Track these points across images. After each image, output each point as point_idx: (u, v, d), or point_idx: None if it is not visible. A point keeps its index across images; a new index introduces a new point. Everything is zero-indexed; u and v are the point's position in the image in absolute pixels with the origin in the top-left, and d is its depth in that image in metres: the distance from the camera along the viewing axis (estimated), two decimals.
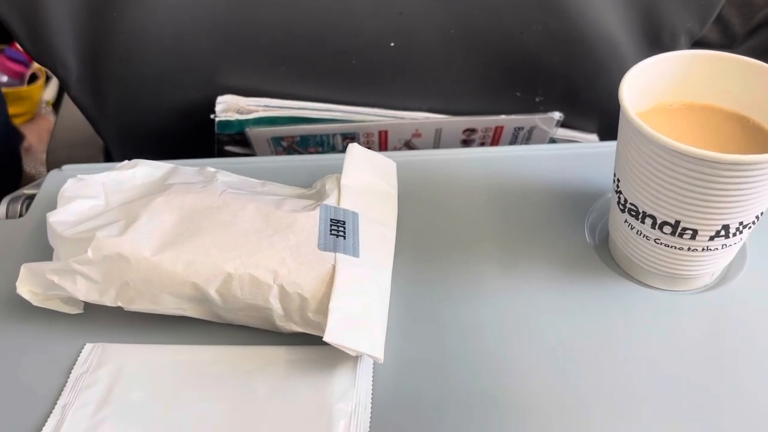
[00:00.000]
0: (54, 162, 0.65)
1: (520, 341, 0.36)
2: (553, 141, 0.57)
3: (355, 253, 0.36)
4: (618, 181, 0.37)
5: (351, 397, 0.33)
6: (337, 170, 0.42)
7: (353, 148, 0.42)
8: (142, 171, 0.42)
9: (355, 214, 0.38)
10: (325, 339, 0.32)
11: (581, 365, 0.35)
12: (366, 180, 0.41)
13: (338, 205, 0.38)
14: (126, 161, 0.43)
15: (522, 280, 0.39)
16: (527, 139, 0.57)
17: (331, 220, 0.37)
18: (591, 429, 0.32)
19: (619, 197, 0.37)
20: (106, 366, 0.35)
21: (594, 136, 0.58)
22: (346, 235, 0.36)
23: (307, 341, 0.35)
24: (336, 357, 0.34)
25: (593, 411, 0.33)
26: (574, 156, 0.48)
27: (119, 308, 0.36)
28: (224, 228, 0.36)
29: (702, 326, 0.37)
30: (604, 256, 0.41)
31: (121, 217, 0.37)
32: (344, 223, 0.37)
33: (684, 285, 0.38)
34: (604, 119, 0.57)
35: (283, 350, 0.36)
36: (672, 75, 0.38)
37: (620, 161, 0.37)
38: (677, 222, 0.34)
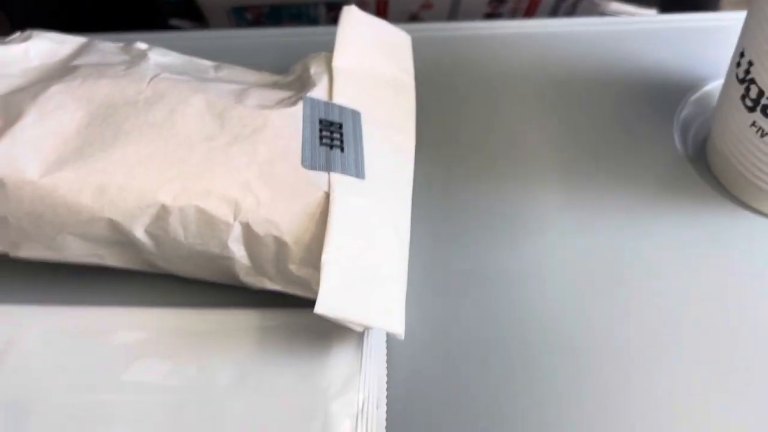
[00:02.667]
0: None
1: (589, 295, 0.25)
2: (603, 16, 0.44)
3: (358, 172, 0.24)
4: (749, 65, 0.25)
5: (356, 390, 0.22)
6: (325, 48, 0.29)
7: (350, 12, 0.29)
8: (38, 46, 0.28)
9: (355, 114, 0.25)
10: (317, 310, 0.20)
11: (674, 316, 0.25)
12: (370, 61, 0.28)
13: (330, 98, 0.26)
14: (18, 33, 0.29)
15: (588, 209, 0.28)
16: (570, 14, 0.44)
17: (320, 121, 0.24)
18: (691, 397, 0.22)
19: (747, 89, 0.25)
20: None
21: (653, 11, 0.45)
22: (344, 145, 0.24)
23: (288, 301, 0.24)
24: (333, 326, 0.23)
25: (688, 363, 0.23)
26: (639, 33, 0.36)
27: (4, 255, 0.24)
28: (156, 133, 0.23)
29: None
30: (702, 170, 0.29)
31: None
32: (341, 126, 0.25)
33: None
34: None
35: (252, 315, 0.24)
36: None
37: (758, 36, 0.24)
38: None
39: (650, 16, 0.44)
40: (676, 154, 0.30)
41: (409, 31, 0.32)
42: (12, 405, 0.23)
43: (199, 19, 0.43)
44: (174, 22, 0.42)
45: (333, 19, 0.43)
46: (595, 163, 0.29)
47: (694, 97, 0.32)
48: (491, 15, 0.43)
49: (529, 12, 0.43)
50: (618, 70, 0.34)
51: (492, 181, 0.29)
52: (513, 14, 0.43)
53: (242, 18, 0.43)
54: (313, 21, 0.43)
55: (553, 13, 0.44)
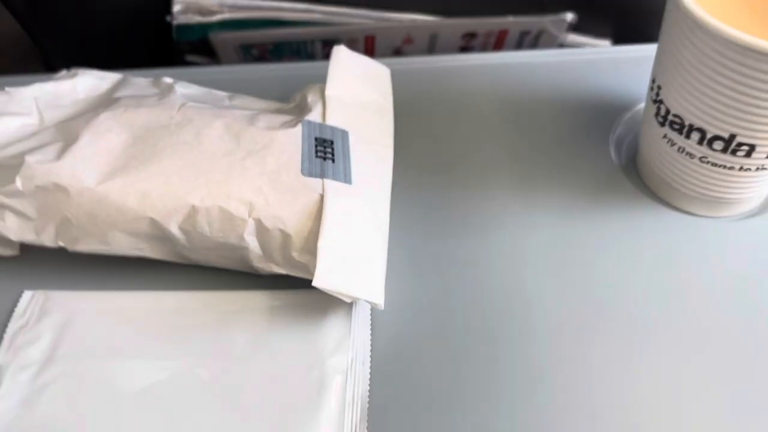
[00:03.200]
0: None
1: (539, 278, 0.31)
2: (561, 48, 0.50)
3: (346, 179, 0.30)
4: (658, 88, 0.31)
5: (346, 350, 0.28)
6: (320, 80, 0.35)
7: (339, 51, 0.35)
8: (84, 82, 0.35)
9: (344, 132, 0.32)
10: (314, 284, 0.26)
11: (610, 302, 0.30)
12: (356, 90, 0.34)
13: (324, 121, 0.32)
14: (65, 71, 0.36)
15: (539, 207, 0.34)
16: (533, 46, 0.50)
17: (315, 139, 0.30)
18: (621, 364, 0.28)
19: (658, 108, 0.31)
20: (49, 318, 0.30)
21: (607, 42, 0.51)
22: (335, 157, 0.30)
23: (292, 284, 0.30)
24: (327, 303, 0.29)
25: (623, 347, 0.29)
26: (589, 62, 0.42)
27: (63, 249, 0.29)
28: (186, 150, 0.29)
29: (746, 256, 0.32)
30: (633, 177, 0.35)
31: (57, 138, 0.30)
32: (332, 142, 0.31)
33: (726, 210, 0.33)
34: (619, 21, 0.50)
35: (264, 295, 0.30)
36: None
37: (663, 64, 0.30)
38: (732, 136, 0.29)
39: (602, 47, 0.50)
40: (611, 165, 0.36)
41: (393, 65, 0.38)
42: (67, 356, 0.28)
43: (211, 55, 0.49)
44: (190, 58, 0.49)
45: (327, 55, 0.49)
46: (545, 172, 0.35)
47: (627, 116, 0.38)
48: (464, 48, 0.50)
49: (497, 45, 0.50)
50: (568, 95, 0.40)
51: (458, 185, 0.35)
52: (483, 48, 0.50)
53: (249, 54, 0.49)
54: (310, 56, 0.49)
55: (518, 46, 0.50)
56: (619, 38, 0.51)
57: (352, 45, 0.49)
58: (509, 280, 0.31)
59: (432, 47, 0.49)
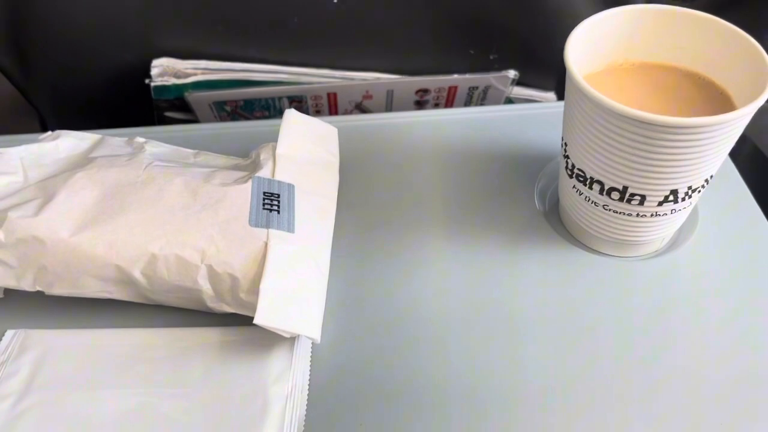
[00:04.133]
0: None
1: (467, 314, 0.35)
2: (510, 101, 0.55)
3: (289, 228, 0.34)
4: (566, 145, 0.35)
5: (287, 379, 0.32)
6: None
7: (289, 114, 0.39)
8: (65, 143, 0.39)
9: (291, 186, 0.36)
10: (255, 321, 0.30)
11: (530, 334, 0.34)
12: (304, 148, 0.39)
13: (273, 176, 0.36)
14: (49, 132, 0.40)
15: (469, 249, 0.38)
16: (482, 99, 0.55)
17: (264, 193, 0.35)
18: (538, 398, 0.31)
19: (567, 162, 0.36)
20: (28, 353, 0.33)
21: (551, 95, 0.56)
22: (281, 209, 0.34)
23: (242, 321, 0.33)
24: (272, 337, 0.33)
25: (541, 380, 0.32)
26: (528, 117, 0.46)
27: (41, 292, 0.34)
28: (149, 205, 0.33)
29: (652, 293, 0.36)
30: (554, 222, 0.39)
31: (38, 195, 0.34)
32: (278, 196, 0.35)
33: (634, 251, 0.37)
34: (562, 77, 0.55)
35: (217, 331, 0.34)
36: (622, 32, 0.36)
37: (567, 125, 0.35)
38: (625, 188, 0.33)
39: (545, 101, 0.55)
40: (535, 211, 0.40)
41: (350, 122, 0.43)
42: (42, 386, 0.32)
43: (188, 111, 0.54)
44: (169, 114, 0.53)
45: (296, 108, 0.54)
46: (476, 218, 0.39)
47: (549, 167, 0.42)
48: (419, 102, 0.54)
49: (449, 99, 0.54)
50: (504, 146, 0.44)
51: (395, 232, 0.39)
52: (437, 101, 0.54)
53: (222, 109, 0.53)
54: (279, 110, 0.54)
55: (468, 99, 0.55)
56: (562, 91, 0.56)
57: (317, 101, 0.54)
58: (437, 314, 0.35)
59: (390, 101, 0.54)
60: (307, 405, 0.31)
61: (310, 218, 0.35)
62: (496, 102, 0.55)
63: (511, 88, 0.54)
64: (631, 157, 0.31)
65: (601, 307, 0.35)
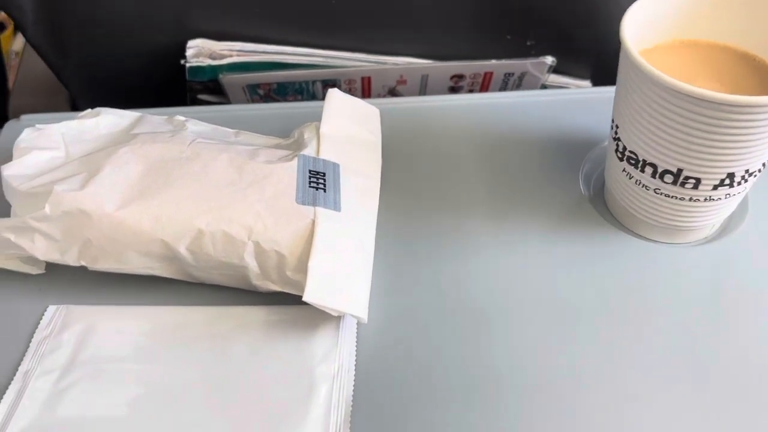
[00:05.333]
0: (16, 111, 0.61)
1: (512, 298, 0.34)
2: (544, 87, 0.54)
3: (336, 206, 0.33)
4: (617, 127, 0.35)
5: (333, 359, 0.31)
6: (317, 118, 0.39)
7: (333, 94, 0.39)
8: (105, 120, 0.39)
9: (335, 165, 0.35)
10: (304, 299, 0.30)
11: (576, 322, 0.33)
12: (347, 128, 0.38)
13: (317, 155, 0.36)
14: (89, 110, 0.40)
15: (514, 233, 0.37)
16: (517, 86, 0.54)
17: (309, 171, 0.34)
18: (585, 386, 0.31)
19: (617, 145, 0.35)
20: (70, 329, 0.33)
21: (587, 83, 0.55)
22: (327, 187, 0.34)
23: (286, 300, 0.33)
24: (318, 317, 0.32)
25: (587, 368, 0.32)
26: (567, 102, 0.46)
27: (84, 268, 0.33)
28: (194, 180, 0.33)
29: (702, 280, 0.35)
30: (600, 207, 0.39)
31: (82, 170, 0.34)
32: (324, 174, 0.34)
33: (683, 237, 0.36)
34: (598, 64, 0.54)
35: (261, 311, 0.34)
36: (676, 11, 0.35)
37: (619, 106, 0.34)
38: (679, 170, 0.32)
39: (579, 88, 0.54)
40: (580, 196, 0.39)
41: (386, 104, 0.42)
42: (86, 362, 0.32)
43: (221, 94, 0.53)
44: (202, 96, 0.53)
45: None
46: (520, 203, 0.39)
47: (595, 152, 0.41)
48: (454, 88, 0.54)
49: (484, 85, 0.54)
50: (544, 132, 0.43)
51: (440, 213, 0.38)
52: (471, 87, 0.54)
53: (255, 92, 0.53)
54: (312, 94, 0.53)
55: (504, 86, 0.54)
56: (598, 79, 0.55)
57: (351, 85, 0.53)
58: (483, 299, 0.34)
59: (424, 86, 0.53)
60: (354, 386, 0.31)
61: (355, 198, 0.35)
62: (532, 89, 0.54)
63: (547, 75, 0.53)
64: (688, 138, 0.31)
65: (651, 295, 0.35)
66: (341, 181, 0.35)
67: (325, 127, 0.37)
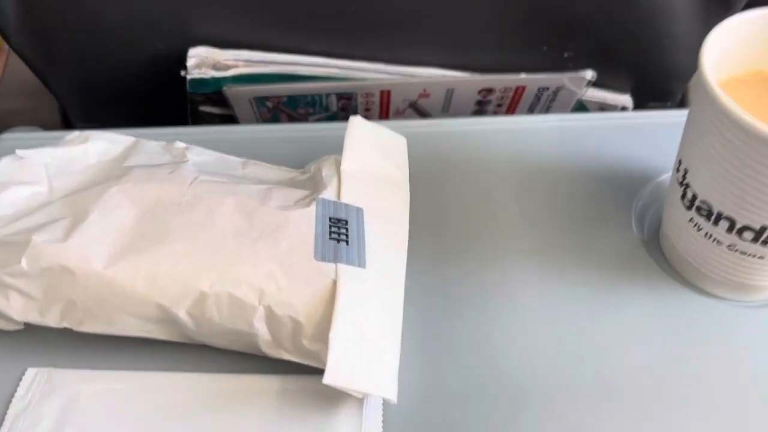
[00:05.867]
0: (1, 114, 0.56)
1: (557, 364, 0.30)
2: (581, 104, 0.49)
3: (360, 262, 0.29)
4: (685, 171, 0.30)
5: None
6: (336, 143, 0.34)
7: (355, 122, 0.34)
8: (95, 147, 0.34)
9: (359, 210, 0.31)
10: (324, 381, 0.25)
11: (626, 385, 0.29)
12: (371, 163, 0.33)
13: (338, 198, 0.31)
14: (77, 133, 0.35)
15: (561, 287, 0.33)
16: (551, 101, 0.49)
17: (330, 219, 0.30)
18: None
19: (684, 192, 0.30)
20: (53, 398, 0.29)
21: (627, 97, 0.50)
22: (349, 239, 0.29)
23: (304, 368, 0.29)
24: (338, 391, 0.28)
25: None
26: (608, 128, 0.41)
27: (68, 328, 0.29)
28: (197, 231, 0.28)
29: None
30: (655, 253, 0.34)
31: (65, 213, 0.29)
32: (346, 222, 0.30)
33: (753, 294, 0.32)
34: (641, 78, 0.49)
35: (274, 380, 0.29)
36: (755, 38, 0.30)
37: (690, 147, 0.29)
38: (764, 228, 0.28)
39: (618, 111, 0.49)
40: (632, 239, 0.35)
41: (404, 127, 0.38)
42: None
43: (225, 105, 0.48)
44: (204, 108, 0.48)
45: (343, 108, 0.48)
46: (563, 245, 0.34)
47: (649, 188, 0.36)
48: (481, 102, 0.49)
49: (515, 100, 0.49)
50: (587, 162, 0.38)
51: (474, 261, 0.34)
52: (500, 102, 0.49)
53: (263, 105, 0.48)
54: (325, 107, 0.49)
55: (536, 101, 0.49)
56: (639, 94, 0.50)
57: (368, 98, 0.48)
58: (526, 365, 0.30)
59: (448, 101, 0.49)
60: None
61: (381, 250, 0.30)
62: (566, 105, 0.49)
63: (585, 90, 0.48)
64: None
65: (713, 359, 0.30)
66: (366, 230, 0.30)
67: (346, 164, 0.32)
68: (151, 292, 0.27)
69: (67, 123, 0.51)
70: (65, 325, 0.28)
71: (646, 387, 0.29)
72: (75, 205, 0.30)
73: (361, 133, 0.34)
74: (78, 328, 0.28)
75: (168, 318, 0.28)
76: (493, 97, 0.49)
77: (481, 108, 0.50)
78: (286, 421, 0.28)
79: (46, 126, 0.51)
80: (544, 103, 0.49)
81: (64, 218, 0.29)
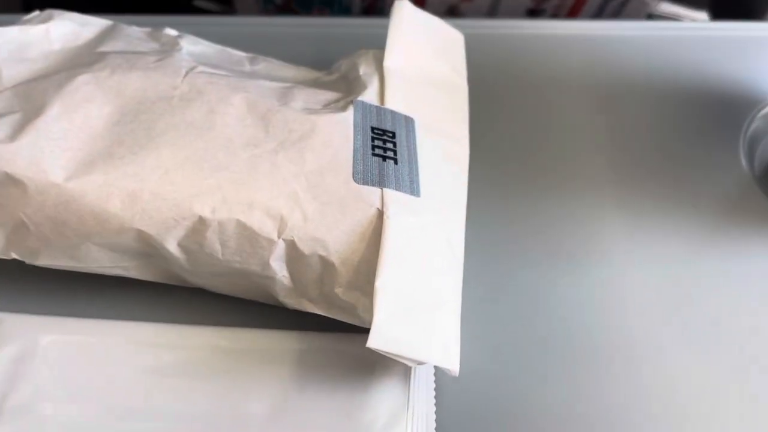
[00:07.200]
0: None
1: (648, 326, 0.24)
2: (650, 18, 0.42)
3: (413, 189, 0.21)
4: None
5: (403, 426, 0.20)
6: (361, 43, 0.27)
7: (403, 7, 0.26)
8: (60, 28, 0.26)
9: (409, 120, 0.23)
10: (369, 344, 0.18)
11: (737, 347, 0.23)
12: (423, 62, 0.26)
13: (382, 103, 0.23)
14: (37, 12, 0.27)
15: (648, 230, 0.26)
16: (617, 15, 0.41)
17: (372, 129, 0.22)
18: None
19: None
20: (4, 349, 0.22)
21: (703, 14, 0.43)
22: (398, 156, 0.22)
23: (328, 324, 0.22)
24: (378, 355, 0.21)
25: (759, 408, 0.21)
26: (695, 40, 0.34)
27: (20, 262, 0.22)
28: (193, 135, 0.21)
29: None
30: None
31: (15, 107, 0.22)
32: (393, 134, 0.22)
33: None
34: None
35: (292, 337, 0.22)
36: None
37: None
38: None
39: (704, 21, 0.41)
40: (741, 174, 0.28)
41: (459, 26, 0.30)
42: (20, 410, 0.21)
43: (225, 2, 0.40)
44: (199, 3, 0.40)
45: (366, 9, 0.40)
46: (654, 182, 0.28)
47: (762, 113, 0.29)
48: (534, 12, 0.41)
49: (575, 7, 0.41)
50: (673, 79, 0.31)
51: (545, 194, 0.27)
52: (556, 12, 0.41)
53: (270, 2, 0.40)
54: (345, 9, 0.40)
55: (600, 11, 0.41)
56: (718, 11, 0.43)
57: None
58: (611, 327, 0.24)
59: (495, 6, 0.41)
60: None
61: (438, 174, 0.23)
62: (636, 19, 0.41)
63: (658, 1, 0.40)
64: None
65: None
66: (418, 147, 0.23)
67: (391, 59, 0.25)
68: (131, 215, 0.20)
69: (28, 9, 0.42)
70: (14, 255, 0.21)
71: (755, 340, 0.23)
72: (29, 97, 0.22)
73: (410, 21, 0.26)
74: (31, 261, 0.21)
75: (152, 251, 0.21)
76: (548, 6, 0.41)
77: (533, 17, 0.42)
78: (307, 394, 0.21)
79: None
80: (607, 16, 0.42)
81: (12, 113, 0.22)
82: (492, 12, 0.41)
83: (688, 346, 0.23)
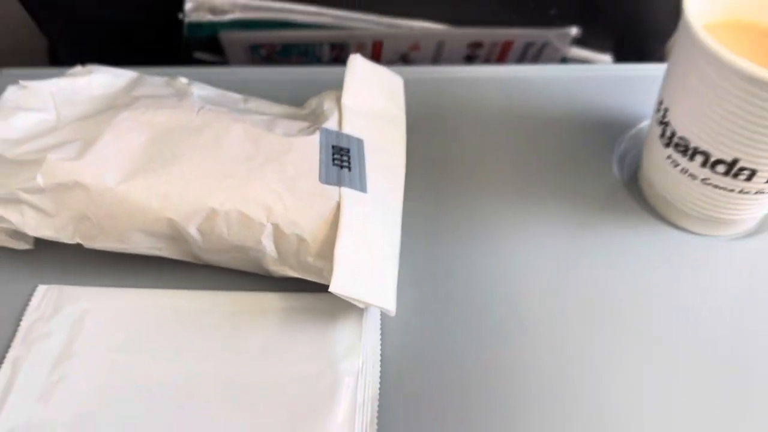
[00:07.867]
0: None
1: (542, 288, 0.32)
2: (564, 60, 0.51)
3: (362, 188, 0.30)
4: (665, 110, 0.32)
5: (358, 354, 0.29)
6: (328, 86, 0.36)
7: (356, 60, 0.35)
8: (99, 79, 0.35)
9: (359, 141, 0.32)
10: (331, 289, 0.27)
11: (607, 315, 0.31)
12: (370, 99, 0.35)
13: (340, 129, 0.32)
14: (79, 66, 0.36)
15: (544, 221, 0.35)
16: (537, 58, 0.51)
17: (333, 147, 0.31)
18: (620, 380, 0.29)
19: (664, 130, 0.32)
20: (63, 312, 0.30)
21: (607, 57, 0.52)
22: (351, 165, 0.31)
23: (301, 286, 0.30)
24: (338, 307, 0.30)
25: (622, 362, 0.30)
26: (594, 79, 0.43)
27: (77, 245, 0.30)
28: (207, 154, 0.30)
29: (742, 274, 0.33)
30: (634, 193, 0.36)
31: (77, 136, 0.30)
32: (348, 151, 0.31)
33: (724, 229, 0.34)
34: (622, 38, 0.51)
35: (276, 297, 0.31)
36: None
37: (672, 87, 0.32)
38: (735, 161, 0.30)
39: (604, 63, 0.51)
40: (614, 180, 0.37)
41: (400, 73, 0.39)
42: (81, 354, 0.28)
43: (219, 53, 0.49)
44: (198, 55, 0.49)
45: (335, 58, 0.49)
46: (548, 185, 0.36)
47: (630, 134, 0.39)
48: (470, 57, 0.51)
49: (502, 55, 0.50)
50: (572, 110, 0.41)
51: (464, 196, 0.35)
52: (488, 57, 0.51)
53: (257, 53, 0.49)
54: (317, 58, 0.50)
55: (522, 56, 0.51)
56: (620, 53, 0.52)
57: (360, 49, 0.49)
58: (510, 288, 0.32)
59: (438, 54, 0.50)
60: (379, 383, 0.28)
61: (381, 177, 0.32)
62: (551, 62, 0.51)
63: (569, 47, 0.50)
64: (750, 126, 0.28)
65: (688, 291, 0.33)
66: (366, 159, 0.32)
67: (347, 98, 0.34)
68: (164, 208, 0.28)
69: (54, 60, 0.51)
70: (78, 240, 0.29)
71: (629, 315, 0.31)
72: (85, 129, 0.31)
73: (361, 70, 0.35)
74: (90, 245, 0.30)
75: (178, 235, 0.29)
76: (482, 52, 0.50)
77: (469, 63, 0.51)
78: (289, 336, 0.29)
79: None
80: (529, 59, 0.51)
81: (75, 140, 0.30)
82: (436, 59, 0.51)
83: (565, 314, 0.31)
